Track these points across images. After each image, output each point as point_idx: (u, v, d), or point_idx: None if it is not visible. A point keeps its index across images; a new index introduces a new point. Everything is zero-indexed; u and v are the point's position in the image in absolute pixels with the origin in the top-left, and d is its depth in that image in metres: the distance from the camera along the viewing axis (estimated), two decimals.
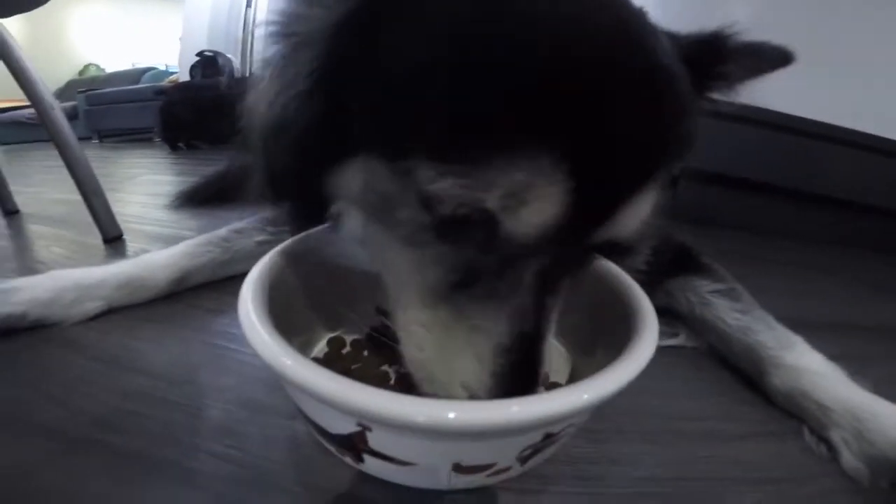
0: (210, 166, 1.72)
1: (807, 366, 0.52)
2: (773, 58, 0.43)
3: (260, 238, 0.77)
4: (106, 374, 0.54)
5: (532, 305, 0.33)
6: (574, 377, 0.49)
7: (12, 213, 1.16)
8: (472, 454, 0.34)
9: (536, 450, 0.35)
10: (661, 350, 0.60)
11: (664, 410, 0.53)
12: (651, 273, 0.60)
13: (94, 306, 0.64)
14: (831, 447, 0.47)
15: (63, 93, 3.68)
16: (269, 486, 0.41)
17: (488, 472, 0.35)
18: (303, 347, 0.50)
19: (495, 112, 0.28)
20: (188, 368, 0.56)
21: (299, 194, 0.44)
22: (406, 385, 0.42)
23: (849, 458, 0.45)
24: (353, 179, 0.37)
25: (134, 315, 0.67)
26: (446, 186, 0.28)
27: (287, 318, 0.41)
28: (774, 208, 1.40)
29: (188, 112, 2.18)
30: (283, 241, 0.49)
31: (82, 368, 0.55)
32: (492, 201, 0.28)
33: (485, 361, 0.33)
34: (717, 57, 0.39)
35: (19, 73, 0.92)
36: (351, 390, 0.28)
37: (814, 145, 1.30)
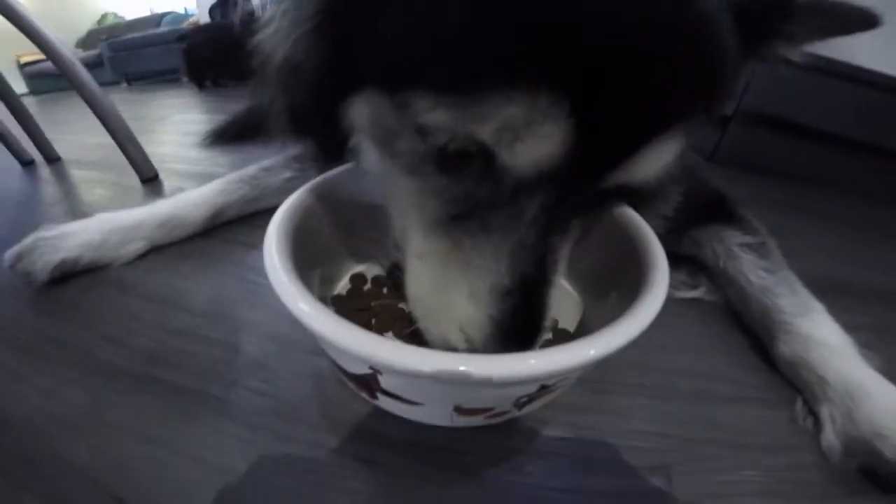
0: (237, 103, 1.71)
1: (818, 336, 0.50)
2: (851, 20, 0.38)
3: (287, 175, 0.79)
4: (154, 312, 0.57)
5: (535, 244, 0.32)
6: (584, 323, 0.49)
7: (55, 160, 1.20)
8: (470, 399, 0.35)
9: (532, 398, 0.36)
10: (676, 302, 0.62)
11: (666, 365, 0.52)
12: (679, 220, 0.58)
13: (138, 246, 0.68)
14: (817, 422, 0.46)
15: (85, 42, 3.70)
16: (296, 418, 0.44)
17: (487, 414, 0.37)
18: (327, 282, 0.52)
19: (495, 45, 0.26)
20: (226, 305, 0.58)
21: (318, 129, 0.44)
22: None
23: (829, 435, 0.44)
24: (361, 112, 0.37)
25: (174, 253, 0.70)
26: (439, 117, 0.28)
27: (312, 253, 0.44)
28: (846, 162, 1.27)
29: (212, 52, 2.16)
30: (309, 177, 0.50)
31: (133, 308, 0.58)
32: (485, 134, 0.28)
33: (482, 302, 0.32)
34: (781, 14, 0.36)
35: (32, 35, 0.92)
36: (360, 339, 0.29)
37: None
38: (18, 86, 2.71)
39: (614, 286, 0.44)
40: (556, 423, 0.44)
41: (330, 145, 0.45)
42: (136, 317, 0.56)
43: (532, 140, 0.27)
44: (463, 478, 0.39)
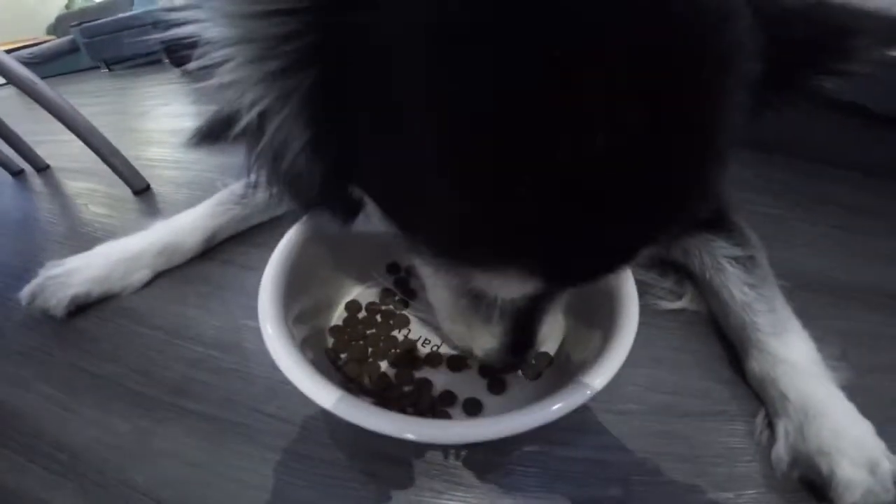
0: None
1: (787, 356, 0.52)
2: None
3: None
4: (169, 343, 0.63)
5: (525, 313, 0.42)
6: (563, 347, 0.55)
7: (43, 169, 1.19)
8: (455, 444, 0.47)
9: None
10: (658, 313, 0.64)
11: (638, 380, 0.56)
12: None
13: (142, 275, 0.72)
14: (773, 435, 0.50)
15: (56, 28, 3.48)
16: (309, 439, 0.51)
17: None
18: (325, 310, 0.58)
19: (473, 234, 0.29)
20: (233, 334, 0.64)
21: (329, 205, 0.44)
22: (411, 346, 0.56)
23: (779, 448, 0.47)
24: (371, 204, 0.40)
25: (178, 278, 0.75)
26: (439, 263, 0.33)
27: (310, 285, 0.52)
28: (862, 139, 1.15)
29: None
30: None
31: (150, 340, 0.64)
32: (472, 283, 0.36)
33: (492, 339, 0.46)
34: (838, 52, 0.32)
35: None
36: (345, 407, 0.37)
37: None
38: None
39: (592, 316, 0.49)
40: (533, 439, 0.50)
41: (345, 211, 0.45)
42: (156, 348, 0.62)
43: (506, 289, 0.35)
44: (453, 488, 0.47)
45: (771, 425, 0.51)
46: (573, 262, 0.30)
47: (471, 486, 0.47)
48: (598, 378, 0.37)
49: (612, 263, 0.32)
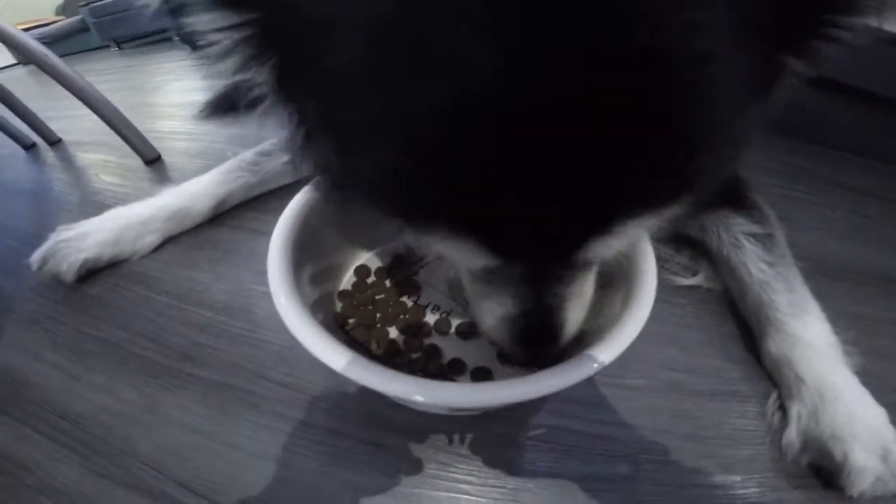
0: None
1: (805, 337, 0.51)
2: None
3: (287, 158, 0.79)
4: (179, 308, 0.63)
5: (527, 293, 0.36)
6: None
7: (55, 142, 1.20)
8: (461, 408, 0.43)
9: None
10: (674, 289, 0.64)
11: (649, 356, 0.56)
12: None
13: (152, 239, 0.73)
14: (785, 418, 0.49)
15: (64, 9, 3.48)
16: (314, 406, 0.51)
17: (480, 409, 0.46)
18: (335, 274, 0.58)
19: (426, 202, 0.28)
20: (242, 299, 0.64)
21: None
22: (420, 312, 0.55)
23: (791, 431, 0.47)
24: None
25: (188, 243, 0.75)
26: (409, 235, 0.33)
27: (320, 248, 0.50)
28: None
29: None
30: None
31: (159, 304, 0.64)
32: (439, 252, 0.34)
33: (504, 323, 0.39)
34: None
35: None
36: (355, 369, 0.35)
37: None
38: (6, 58, 2.60)
39: (611, 285, 0.46)
40: (542, 411, 0.50)
41: None
42: (164, 313, 0.62)
43: (467, 258, 0.33)
44: (458, 459, 0.47)
45: (783, 408, 0.50)
46: (508, 229, 0.28)
47: (477, 460, 0.47)
48: (608, 351, 0.36)
49: (561, 238, 0.29)
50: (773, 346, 0.53)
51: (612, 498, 0.44)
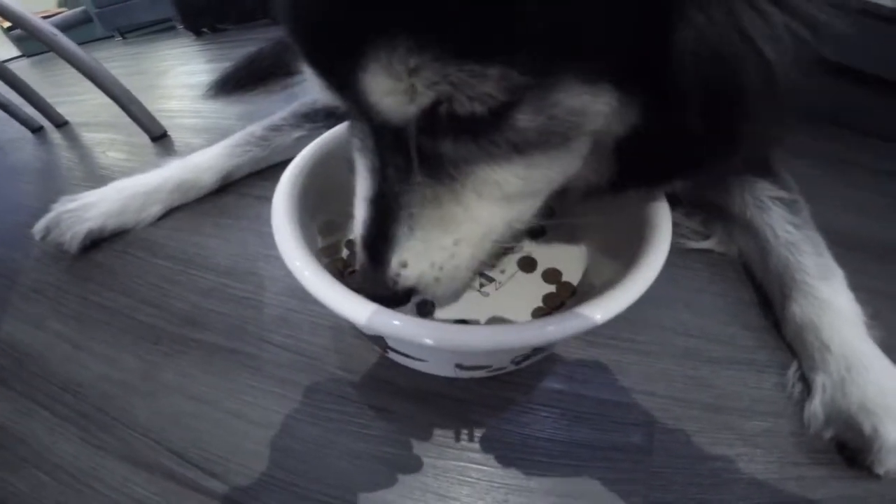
0: (237, 48, 1.66)
1: (835, 302, 0.49)
2: None
3: (298, 134, 0.80)
4: (184, 273, 0.63)
5: (376, 172, 0.34)
6: (586, 278, 0.52)
7: (62, 124, 1.20)
8: (469, 360, 0.41)
9: (527, 357, 0.42)
10: (685, 253, 0.62)
11: (662, 321, 0.54)
12: None
13: (157, 209, 0.72)
14: (807, 389, 0.47)
15: (68, 0, 3.52)
16: (319, 371, 0.50)
17: (488, 369, 0.44)
18: (341, 226, 0.56)
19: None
20: (247, 261, 0.63)
21: None
22: None
23: (815, 403, 0.44)
24: None
25: (194, 210, 0.75)
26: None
27: (324, 200, 0.49)
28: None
29: None
30: (319, 135, 0.51)
31: (164, 270, 0.63)
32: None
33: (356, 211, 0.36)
34: None
35: (7, 16, 0.90)
36: (364, 310, 0.33)
37: None
38: (8, 50, 2.62)
39: (620, 246, 0.45)
40: (552, 374, 0.49)
41: None
42: (168, 279, 0.62)
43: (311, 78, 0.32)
44: (465, 425, 0.45)
45: (804, 379, 0.48)
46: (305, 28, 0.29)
47: (485, 427, 0.45)
48: (602, 309, 0.34)
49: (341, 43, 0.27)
50: (799, 310, 0.50)
51: (626, 469, 0.43)
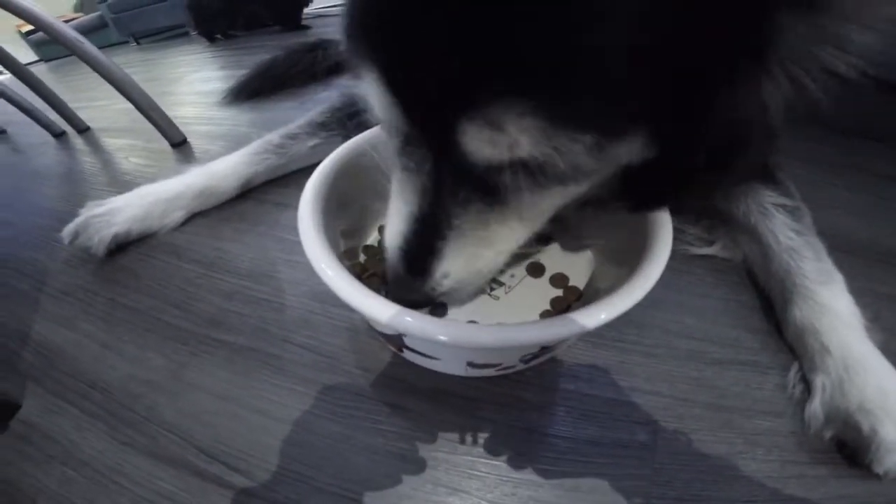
0: (250, 55, 1.70)
1: (833, 306, 0.50)
2: None
3: (313, 142, 0.82)
4: (206, 276, 0.65)
5: (425, 187, 0.36)
6: (591, 282, 0.54)
7: (84, 130, 1.24)
8: (481, 357, 0.43)
9: (535, 355, 0.44)
10: (689, 258, 0.64)
11: (666, 324, 0.56)
12: None
13: (179, 215, 0.75)
14: (807, 390, 0.48)
15: (83, 5, 3.58)
16: (337, 370, 0.52)
17: (497, 368, 0.46)
18: (359, 231, 0.59)
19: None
20: (267, 265, 0.66)
21: None
22: None
23: (815, 404, 0.46)
24: None
25: (214, 216, 0.78)
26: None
27: (343, 208, 0.51)
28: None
29: (217, 2, 2.09)
30: (335, 143, 0.54)
31: (187, 273, 0.66)
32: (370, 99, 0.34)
33: (395, 227, 0.39)
34: None
35: (29, 18, 0.92)
36: (385, 310, 0.36)
37: None
38: (26, 55, 2.66)
39: (624, 253, 0.46)
40: (559, 374, 0.50)
41: None
42: (192, 282, 0.65)
43: (379, 101, 0.32)
44: (476, 422, 0.47)
45: (805, 380, 0.49)
46: (396, 63, 0.29)
47: (495, 423, 0.47)
48: (606, 311, 0.36)
49: (438, 93, 0.28)
50: (799, 313, 0.51)
51: (631, 465, 0.44)
